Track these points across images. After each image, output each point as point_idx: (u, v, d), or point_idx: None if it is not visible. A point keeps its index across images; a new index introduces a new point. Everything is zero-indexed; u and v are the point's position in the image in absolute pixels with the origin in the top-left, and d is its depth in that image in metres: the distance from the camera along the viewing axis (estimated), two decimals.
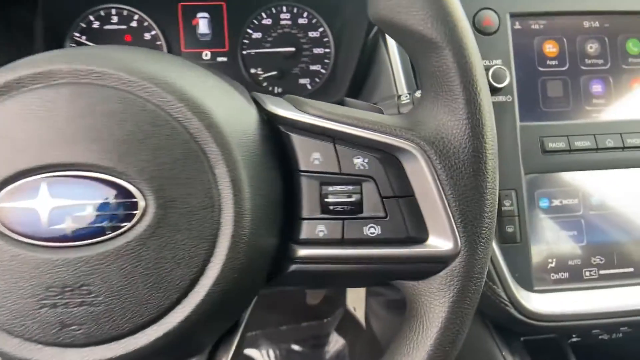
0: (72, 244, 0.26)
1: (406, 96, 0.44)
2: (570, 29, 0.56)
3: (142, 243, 0.26)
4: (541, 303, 0.52)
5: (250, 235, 0.28)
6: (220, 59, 0.71)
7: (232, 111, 0.30)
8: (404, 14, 0.29)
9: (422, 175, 0.30)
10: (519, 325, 0.53)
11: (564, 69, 0.56)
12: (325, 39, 0.72)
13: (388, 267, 0.31)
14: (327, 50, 0.72)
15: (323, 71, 0.72)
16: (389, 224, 0.31)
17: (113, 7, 0.67)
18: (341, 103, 0.59)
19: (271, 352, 1.16)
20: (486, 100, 0.29)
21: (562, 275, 0.54)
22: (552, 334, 0.56)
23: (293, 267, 0.32)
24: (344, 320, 1.15)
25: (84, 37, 0.67)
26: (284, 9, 0.71)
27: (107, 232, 0.26)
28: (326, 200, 0.31)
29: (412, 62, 0.32)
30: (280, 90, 0.72)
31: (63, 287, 0.25)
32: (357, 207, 0.31)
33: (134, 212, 0.26)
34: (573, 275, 0.54)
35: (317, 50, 0.72)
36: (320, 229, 0.31)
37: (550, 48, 0.56)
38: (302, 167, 0.32)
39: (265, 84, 0.72)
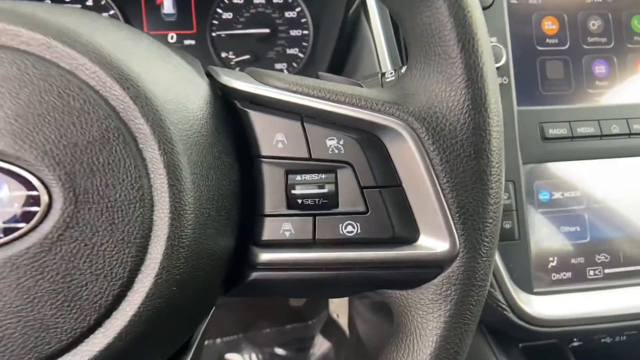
0: None
1: (391, 73, 0.38)
2: (571, 4, 0.51)
3: (47, 249, 0.20)
4: (542, 306, 0.47)
5: (194, 237, 0.22)
6: (187, 42, 0.65)
7: (173, 81, 0.24)
8: None
9: (410, 160, 0.24)
10: (517, 330, 0.48)
11: (564, 48, 0.51)
12: (303, 20, 0.66)
13: (370, 274, 0.25)
14: (305, 32, 0.66)
15: (301, 55, 0.66)
16: (370, 221, 0.25)
17: None
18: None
19: (254, 357, 1.11)
20: (489, 65, 0.24)
21: (564, 275, 0.49)
22: (553, 339, 0.51)
23: (254, 274, 0.26)
24: (329, 323, 1.10)
25: None
26: None
27: None
28: (293, 192, 0.25)
29: (397, 25, 0.26)
30: None
31: None
32: (331, 200, 0.25)
33: (35, 209, 0.20)
34: (576, 274, 0.49)
35: (294, 32, 0.66)
36: (287, 228, 0.25)
37: (549, 25, 0.51)
38: (263, 151, 0.26)
39: (237, 69, 0.66)
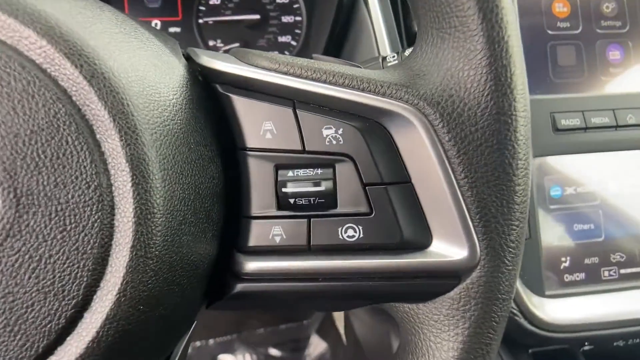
0: None
1: (393, 56, 0.35)
2: None
3: None
4: (555, 311, 0.44)
5: (165, 245, 0.18)
6: (172, 29, 0.61)
7: (140, 60, 0.20)
8: None
9: (421, 151, 0.21)
10: (528, 336, 0.45)
11: (576, 32, 0.47)
12: (295, 5, 0.62)
13: (374, 285, 0.22)
14: (297, 18, 0.62)
15: (294, 43, 0.62)
16: (374, 223, 0.21)
17: None
18: None
19: (247, 357, 1.08)
20: (515, 38, 0.20)
21: (577, 277, 0.46)
22: (566, 345, 0.48)
23: (240, 286, 0.22)
24: (325, 323, 1.07)
25: None
26: None
27: None
28: (284, 190, 0.21)
29: (396, 7, 0.22)
30: None
31: None
32: (329, 199, 0.21)
33: None
34: (589, 275, 0.46)
35: (286, 19, 0.62)
36: (277, 232, 0.22)
37: (560, 8, 0.47)
38: (249, 143, 0.22)
39: None
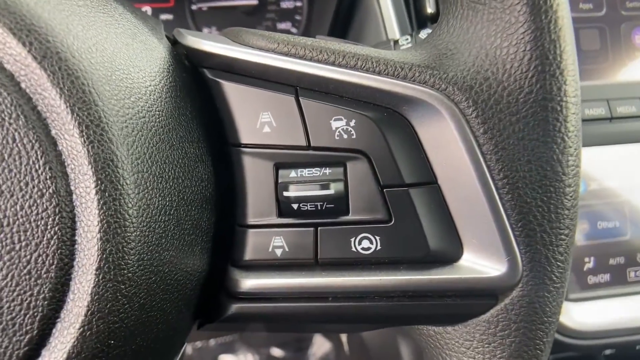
0: None
1: (406, 39, 0.31)
2: None
3: None
4: (578, 316, 0.41)
5: (141, 265, 0.15)
6: (164, 16, 0.57)
7: (109, 39, 0.16)
8: None
9: (450, 146, 0.17)
10: None
11: (600, 14, 0.44)
12: None
13: (394, 306, 0.18)
14: (297, 3, 0.58)
15: (294, 30, 0.59)
16: (394, 233, 0.18)
17: None
18: None
19: (250, 358, 1.05)
20: (565, 7, 0.17)
21: (602, 278, 0.42)
22: (587, 351, 0.45)
23: (235, 307, 0.19)
24: None
25: None
26: None
27: None
28: (286, 194, 0.18)
29: None
30: None
31: None
32: (339, 204, 0.18)
33: None
34: (615, 277, 0.43)
35: (285, 4, 0.58)
36: (278, 244, 0.18)
37: None
38: (244, 138, 0.19)
39: None
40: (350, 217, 0.18)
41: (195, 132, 0.18)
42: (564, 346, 0.42)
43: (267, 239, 0.19)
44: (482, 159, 0.17)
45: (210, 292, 0.19)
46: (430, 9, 0.45)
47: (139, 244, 0.15)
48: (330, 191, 0.18)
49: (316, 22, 0.58)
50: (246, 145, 0.18)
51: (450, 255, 0.18)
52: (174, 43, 0.21)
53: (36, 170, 0.14)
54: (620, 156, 0.43)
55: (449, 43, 0.18)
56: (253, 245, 0.19)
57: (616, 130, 0.42)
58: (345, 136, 0.18)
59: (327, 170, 0.18)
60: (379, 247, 0.18)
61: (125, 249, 0.15)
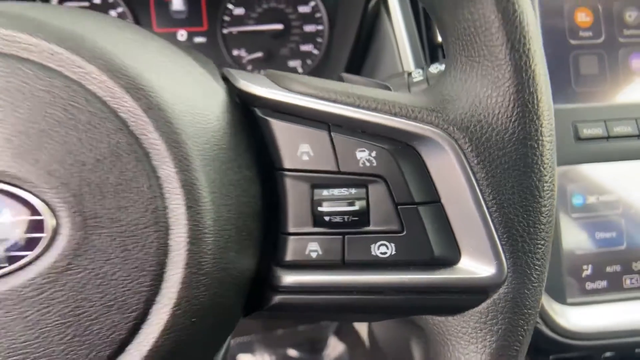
0: None
1: (418, 72, 0.36)
2: None
3: (54, 280, 0.18)
4: (577, 319, 0.45)
5: (214, 262, 0.20)
6: (197, 39, 0.63)
7: (188, 88, 0.22)
8: None
9: (451, 173, 0.22)
10: (550, 343, 0.45)
11: (599, 41, 0.48)
12: (318, 15, 0.63)
13: (406, 299, 0.23)
14: (319, 27, 0.63)
15: (315, 52, 0.64)
16: (406, 241, 0.22)
17: None
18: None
19: (267, 358, 1.09)
20: (541, 67, 0.21)
21: (599, 284, 0.46)
22: (587, 352, 0.48)
23: (278, 298, 0.24)
24: (343, 325, 1.08)
25: None
26: None
27: (1, 265, 0.18)
28: (320, 209, 0.23)
29: (419, 22, 0.24)
30: None
31: None
32: (362, 217, 0.23)
33: (40, 235, 0.18)
34: (611, 283, 0.46)
35: (308, 28, 0.63)
36: (313, 248, 0.23)
37: (583, 17, 0.47)
38: (287, 164, 0.23)
39: (249, 67, 0.63)
40: (370, 227, 0.23)
41: (248, 159, 0.23)
42: (564, 347, 0.46)
43: (304, 244, 0.23)
44: (476, 184, 0.21)
45: (257, 286, 0.24)
46: (440, 38, 0.49)
47: (214, 247, 0.20)
48: (355, 207, 0.22)
49: (336, 45, 0.63)
50: (289, 170, 0.23)
51: (450, 259, 0.22)
52: (223, 78, 0.26)
53: (143, 192, 0.19)
54: (616, 172, 0.47)
55: (450, 90, 0.22)
56: (292, 249, 0.23)
57: (613, 148, 0.46)
58: (367, 164, 0.23)
59: (353, 191, 0.23)
60: (393, 252, 0.22)
61: (204, 250, 0.19)
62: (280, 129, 0.23)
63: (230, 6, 0.63)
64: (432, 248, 0.22)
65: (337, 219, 0.23)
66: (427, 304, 0.23)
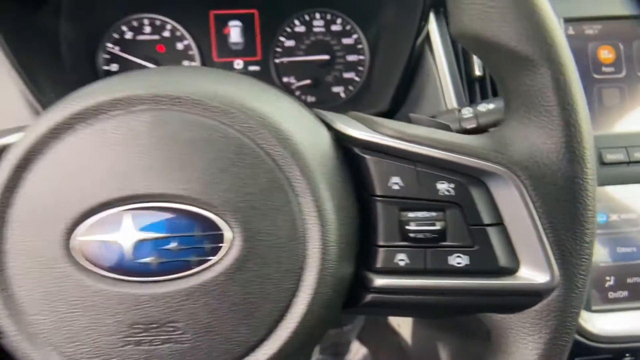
0: (158, 278, 0.24)
1: (468, 110, 0.42)
2: (627, 33, 0.54)
3: (230, 277, 0.25)
4: (601, 324, 0.50)
5: (336, 267, 0.26)
6: (252, 67, 0.69)
7: (310, 134, 0.28)
8: (494, 29, 0.27)
9: (513, 202, 0.28)
10: (576, 346, 0.51)
11: (620, 76, 0.54)
12: (360, 46, 0.70)
13: (475, 299, 0.29)
14: (361, 57, 0.70)
15: (357, 79, 0.70)
16: (477, 254, 0.29)
17: (145, 17, 0.66)
18: (392, 116, 0.57)
19: None
20: (586, 123, 0.27)
21: (621, 294, 0.51)
22: (609, 355, 0.54)
23: (370, 296, 0.30)
24: (366, 329, 1.12)
25: (116, 48, 0.65)
26: (317, 15, 0.69)
27: (193, 266, 0.25)
28: (407, 227, 0.29)
29: (496, 79, 0.29)
30: (313, 99, 0.70)
31: (148, 324, 0.24)
32: (441, 235, 0.29)
33: (220, 245, 0.25)
34: (632, 293, 0.52)
35: (350, 58, 0.70)
36: (401, 258, 0.29)
37: (605, 54, 0.54)
38: (379, 191, 0.29)
39: (298, 92, 0.70)
40: (447, 242, 0.29)
41: (350, 188, 0.29)
42: (590, 349, 0.51)
43: (393, 254, 0.29)
44: (533, 211, 0.28)
45: (353, 287, 0.30)
46: (478, 72, 0.56)
47: (334, 256, 0.26)
48: (436, 227, 0.29)
49: (377, 73, 0.70)
50: (381, 196, 0.30)
51: (512, 269, 0.28)
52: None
53: (288, 214, 0.25)
54: (636, 193, 0.52)
55: (513, 136, 0.29)
56: (383, 258, 0.29)
57: (633, 172, 0.52)
58: (446, 193, 0.29)
59: (434, 214, 0.29)
60: (468, 263, 0.28)
61: (330, 257, 0.26)
62: (375, 164, 0.30)
63: (282, 39, 0.70)
64: (498, 260, 0.28)
65: (420, 235, 0.29)
66: (492, 304, 0.29)
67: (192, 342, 0.25)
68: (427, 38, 0.55)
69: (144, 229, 0.24)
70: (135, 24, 0.66)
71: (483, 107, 0.41)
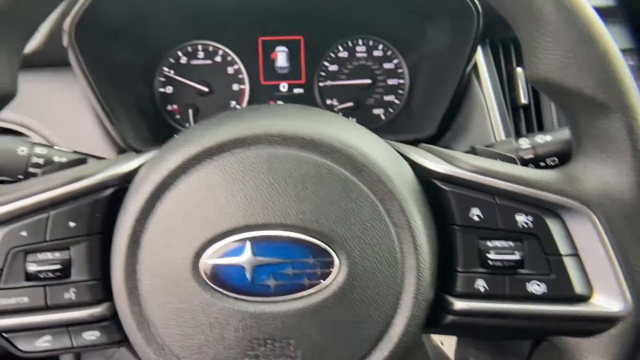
0: (275, 299, 0.28)
1: (525, 141, 0.45)
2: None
3: (337, 299, 0.28)
4: None
5: (428, 289, 0.29)
6: (296, 90, 0.73)
7: (399, 169, 0.31)
8: (572, 78, 0.30)
9: (588, 234, 0.30)
10: None
11: None
12: (400, 70, 0.73)
13: (551, 324, 0.31)
14: (401, 81, 0.73)
15: (397, 102, 0.73)
16: (553, 282, 0.31)
17: (200, 44, 0.69)
18: (437, 141, 0.59)
19: None
20: None
21: None
22: None
23: (450, 318, 0.32)
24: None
25: (172, 72, 0.69)
26: (360, 42, 0.73)
27: (307, 288, 0.27)
28: (487, 255, 0.31)
29: (569, 121, 0.32)
30: (354, 120, 0.73)
31: (266, 339, 0.27)
32: (519, 263, 0.31)
33: (330, 270, 0.28)
34: None
35: (391, 81, 0.73)
36: (480, 284, 0.31)
37: None
38: (460, 221, 0.32)
39: (340, 114, 0.73)
40: (525, 270, 0.31)
41: (433, 217, 0.32)
42: None
43: (473, 280, 0.32)
44: (607, 243, 0.30)
45: (433, 309, 0.33)
46: (524, 101, 0.58)
47: (427, 279, 0.29)
48: (515, 256, 0.31)
49: (415, 96, 0.72)
50: (462, 226, 0.32)
51: (587, 296, 0.31)
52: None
53: (388, 244, 0.28)
54: None
55: (585, 173, 0.31)
56: (463, 283, 0.32)
57: None
58: (525, 225, 0.31)
59: (512, 244, 0.31)
60: (545, 291, 0.31)
61: (424, 282, 0.28)
62: (455, 196, 0.32)
63: (326, 63, 0.73)
64: (573, 287, 0.31)
65: (499, 263, 0.31)
66: (567, 329, 0.31)
67: (302, 357, 0.27)
68: (474, 66, 0.58)
69: (264, 254, 0.27)
70: (189, 49, 0.69)
71: (540, 138, 0.43)
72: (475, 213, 0.32)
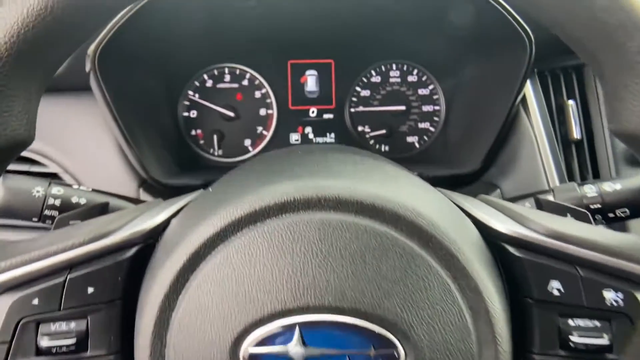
0: None
1: (590, 188, 0.40)
2: None
3: None
4: None
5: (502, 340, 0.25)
6: (326, 116, 0.69)
7: (468, 236, 0.27)
8: None
9: None
10: None
11: None
12: (435, 97, 0.69)
13: None
14: (436, 107, 0.69)
15: (432, 129, 0.69)
16: None
17: (226, 67, 0.66)
18: (481, 175, 0.55)
19: None
20: None
21: None
22: None
23: None
24: None
25: (197, 95, 0.65)
26: (394, 66, 0.69)
27: None
28: (570, 336, 0.27)
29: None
30: (387, 148, 0.69)
31: None
32: (607, 348, 0.26)
33: None
34: None
35: (426, 108, 0.69)
36: None
37: None
38: (537, 295, 0.27)
39: (372, 142, 0.69)
40: (613, 356, 0.27)
41: (500, 285, 0.28)
42: None
43: None
44: None
45: None
46: (577, 136, 0.54)
47: (504, 336, 0.24)
48: (603, 340, 0.27)
49: (452, 124, 0.68)
50: (539, 301, 0.28)
51: None
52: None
53: (462, 330, 0.24)
54: None
55: None
56: None
57: None
58: (614, 303, 0.27)
59: (598, 323, 0.27)
60: None
61: (499, 337, 0.24)
62: (532, 266, 0.28)
63: (358, 88, 0.69)
64: None
65: (582, 346, 0.27)
66: None
67: None
68: (523, 98, 0.54)
69: (314, 343, 0.23)
70: (216, 72, 0.66)
71: (609, 186, 0.39)
72: (555, 286, 0.27)
